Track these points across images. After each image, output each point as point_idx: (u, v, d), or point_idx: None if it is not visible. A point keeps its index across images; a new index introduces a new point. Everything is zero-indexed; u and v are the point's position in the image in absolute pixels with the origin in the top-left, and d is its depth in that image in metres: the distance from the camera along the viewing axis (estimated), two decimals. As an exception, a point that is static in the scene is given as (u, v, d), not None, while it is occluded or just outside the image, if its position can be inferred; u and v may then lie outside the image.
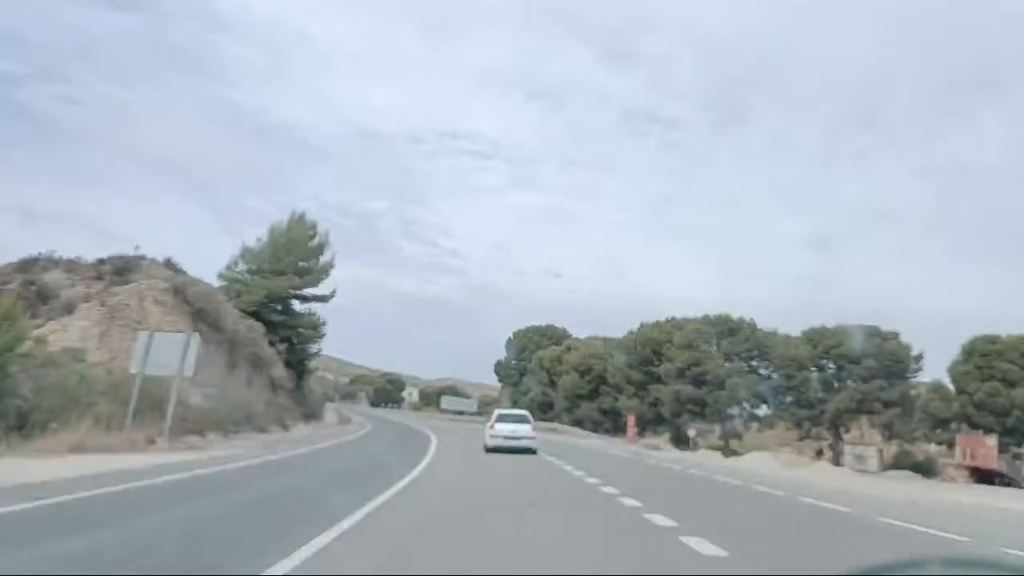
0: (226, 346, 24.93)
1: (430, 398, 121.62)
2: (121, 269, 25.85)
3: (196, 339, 14.23)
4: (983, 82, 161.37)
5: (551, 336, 76.61)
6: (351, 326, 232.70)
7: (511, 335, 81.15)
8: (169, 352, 13.91)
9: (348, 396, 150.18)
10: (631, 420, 39.09)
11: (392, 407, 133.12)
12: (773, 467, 33.42)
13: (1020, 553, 7.39)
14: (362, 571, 4.79)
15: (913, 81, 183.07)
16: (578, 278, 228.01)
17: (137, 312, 20.74)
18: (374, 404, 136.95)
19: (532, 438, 21.15)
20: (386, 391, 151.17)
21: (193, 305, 22.72)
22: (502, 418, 22.18)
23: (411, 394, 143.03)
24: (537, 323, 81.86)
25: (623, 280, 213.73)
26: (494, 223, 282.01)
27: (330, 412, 57.62)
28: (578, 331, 74.61)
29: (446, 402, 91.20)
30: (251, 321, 27.85)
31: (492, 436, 20.82)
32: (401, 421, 54.84)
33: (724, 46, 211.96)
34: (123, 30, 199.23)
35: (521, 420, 22.27)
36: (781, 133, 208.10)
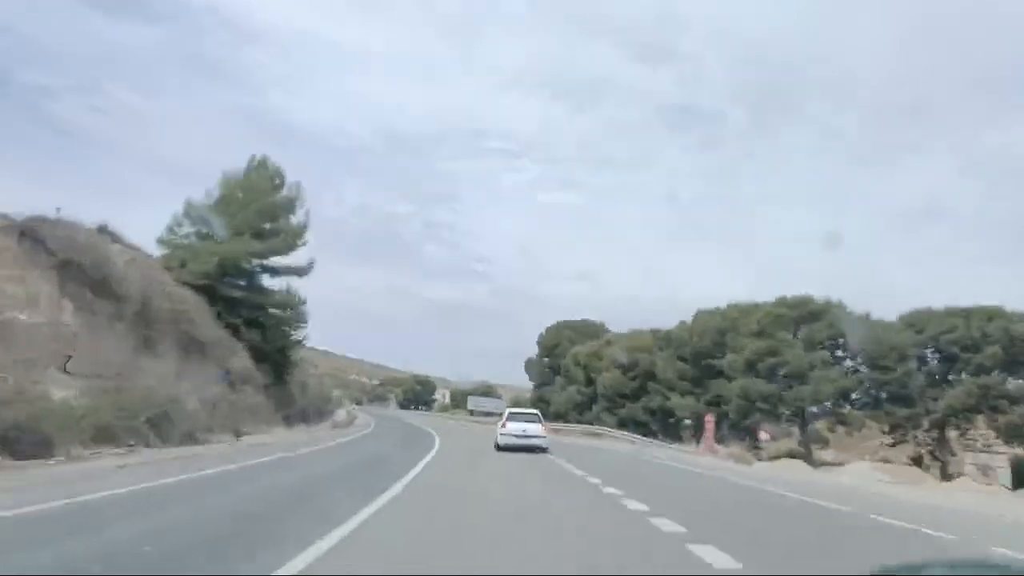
0: (132, 321, 17.73)
1: (460, 400, 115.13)
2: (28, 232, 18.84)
3: None
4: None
5: (586, 332, 68.56)
6: (382, 330, 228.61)
7: (542, 331, 73.38)
8: None
9: (378, 398, 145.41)
10: (709, 424, 30.46)
11: (422, 409, 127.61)
12: (882, 482, 25.19)
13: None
14: None
15: (957, 75, 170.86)
16: (610, 279, 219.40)
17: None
18: (403, 406, 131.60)
19: (543, 437, 21.51)
20: (416, 393, 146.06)
21: (57, 256, 15.52)
22: (513, 417, 22.61)
23: (444, 396, 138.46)
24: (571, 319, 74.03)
25: (656, 281, 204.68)
26: (523, 224, 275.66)
27: (340, 414, 51.40)
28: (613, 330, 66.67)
29: (472, 403, 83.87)
30: (180, 290, 20.60)
31: (503, 435, 21.18)
32: (417, 424, 47.63)
33: (758, 41, 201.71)
34: (152, 41, 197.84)
35: (531, 419, 22.60)
36: (820, 129, 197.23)
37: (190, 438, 17.39)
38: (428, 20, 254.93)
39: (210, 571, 4.66)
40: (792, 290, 39.94)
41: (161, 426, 16.41)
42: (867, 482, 23.63)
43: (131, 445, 15.21)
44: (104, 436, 14.86)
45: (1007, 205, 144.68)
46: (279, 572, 4.57)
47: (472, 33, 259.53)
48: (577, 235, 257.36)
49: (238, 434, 20.91)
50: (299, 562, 4.83)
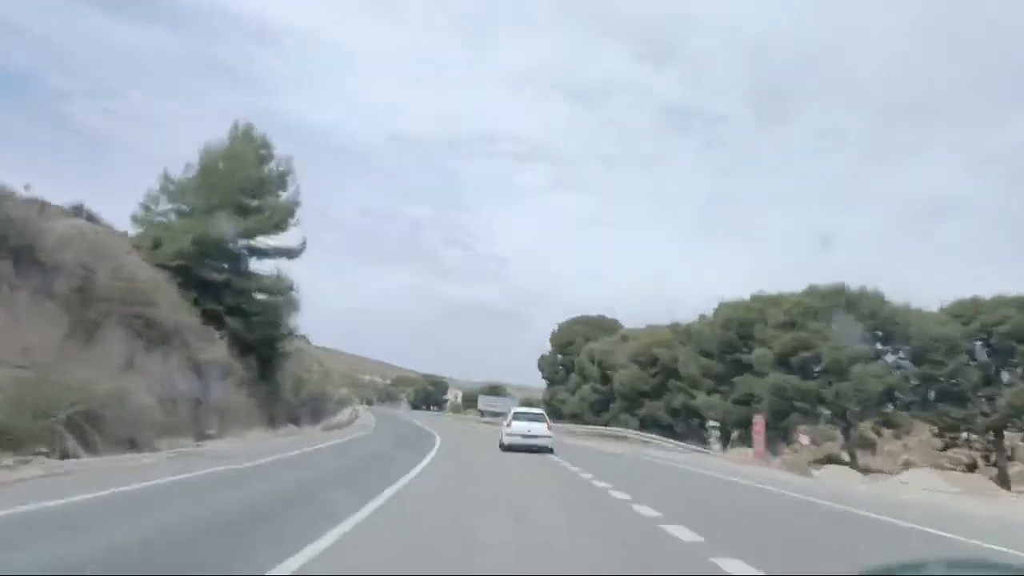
0: (68, 300, 14.87)
1: (472, 400, 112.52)
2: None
3: None
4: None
5: (602, 327, 65.33)
6: (396, 329, 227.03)
7: (555, 327, 70.21)
8: None
9: (389, 398, 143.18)
10: (759, 427, 26.33)
11: (433, 409, 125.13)
12: (942, 492, 21.81)
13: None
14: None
15: (964, 73, 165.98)
16: (621, 278, 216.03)
17: None
18: (415, 406, 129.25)
19: (548, 437, 21.46)
20: (427, 393, 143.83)
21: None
22: (518, 416, 22.34)
23: (456, 396, 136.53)
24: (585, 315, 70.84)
25: (666, 280, 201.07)
26: (535, 225, 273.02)
27: (343, 415, 48.97)
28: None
29: (483, 402, 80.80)
30: (140, 268, 17.72)
31: (508, 435, 21.19)
32: (421, 425, 44.68)
33: (766, 41, 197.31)
34: (165, 43, 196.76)
35: (536, 419, 22.44)
36: (827, 128, 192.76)
37: (131, 443, 14.38)
38: (437, 21, 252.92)
39: None
40: (796, 287, 36.88)
41: (86, 428, 13.37)
42: (929, 495, 20.31)
43: (41, 453, 12.24)
44: (5, 442, 11.89)
45: (1009, 203, 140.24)
46: None
47: (483, 34, 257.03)
48: (588, 235, 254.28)
49: (200, 437, 17.98)
50: None
